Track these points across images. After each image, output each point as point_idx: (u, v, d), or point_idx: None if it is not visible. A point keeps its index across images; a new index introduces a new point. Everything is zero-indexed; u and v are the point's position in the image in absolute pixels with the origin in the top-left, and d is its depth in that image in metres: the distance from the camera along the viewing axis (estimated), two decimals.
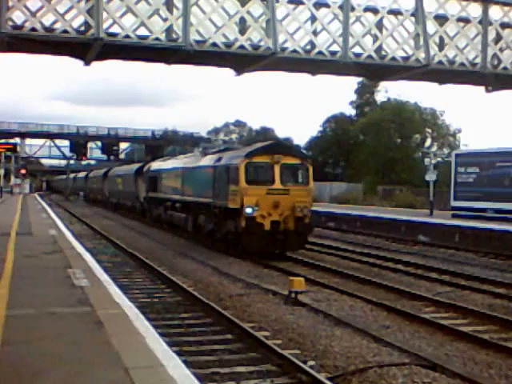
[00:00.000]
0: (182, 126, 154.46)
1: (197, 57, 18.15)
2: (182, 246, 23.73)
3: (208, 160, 23.65)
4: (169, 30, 17.47)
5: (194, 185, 24.73)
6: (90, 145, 77.21)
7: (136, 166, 43.70)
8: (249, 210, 19.07)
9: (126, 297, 9.74)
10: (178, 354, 7.49)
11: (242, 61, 19.07)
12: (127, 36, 16.88)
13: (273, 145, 21.63)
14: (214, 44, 17.57)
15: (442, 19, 19.69)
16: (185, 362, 6.88)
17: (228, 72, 20.38)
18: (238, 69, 20.01)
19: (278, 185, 19.70)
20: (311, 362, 8.91)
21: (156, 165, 34.22)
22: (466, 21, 19.99)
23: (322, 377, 8.03)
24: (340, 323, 11.24)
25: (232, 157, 21.08)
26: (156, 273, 16.88)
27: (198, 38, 17.61)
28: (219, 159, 21.90)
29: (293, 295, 12.87)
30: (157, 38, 17.18)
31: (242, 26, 18.30)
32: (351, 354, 9.21)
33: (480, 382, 8.15)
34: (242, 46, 17.84)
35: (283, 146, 23.22)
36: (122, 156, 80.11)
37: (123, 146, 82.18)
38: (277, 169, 19.70)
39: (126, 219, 39.99)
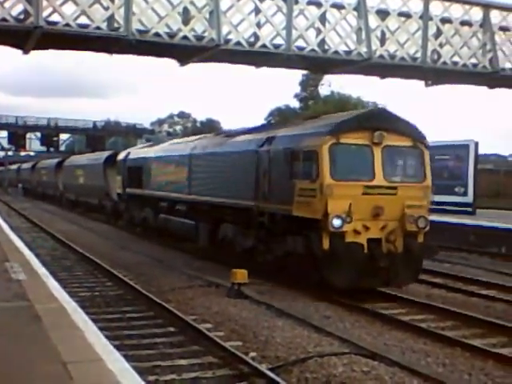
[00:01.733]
0: (125, 117, 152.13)
1: (139, 47, 17.87)
2: (125, 239, 23.49)
3: (243, 142, 16.24)
4: (110, 19, 17.13)
5: (213, 179, 17.48)
6: (29, 135, 75.19)
7: (106, 153, 35.94)
8: (337, 222, 12.16)
9: (64, 291, 9.59)
10: (118, 347, 7.42)
11: (185, 52, 18.86)
12: (67, 25, 16.49)
13: (371, 115, 13.91)
14: (157, 34, 17.33)
15: (383, 14, 19.94)
16: (125, 355, 6.81)
17: (172, 62, 20.10)
18: (181, 60, 19.79)
19: (379, 180, 12.85)
20: (253, 354, 8.94)
21: (140, 152, 25.90)
22: (407, 16, 20.29)
23: (263, 367, 8.08)
24: (282, 314, 11.33)
25: (299, 135, 13.73)
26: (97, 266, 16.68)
27: (141, 27, 17.36)
28: (269, 140, 14.55)
29: (236, 287, 12.90)
30: (98, 27, 16.83)
31: (186, 17, 18.13)
32: (292, 345, 9.29)
33: (418, 370, 8.33)
34: (185, 37, 17.66)
35: (385, 118, 13.60)
36: (62, 148, 78.39)
37: (63, 137, 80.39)
38: (377, 153, 12.88)
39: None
